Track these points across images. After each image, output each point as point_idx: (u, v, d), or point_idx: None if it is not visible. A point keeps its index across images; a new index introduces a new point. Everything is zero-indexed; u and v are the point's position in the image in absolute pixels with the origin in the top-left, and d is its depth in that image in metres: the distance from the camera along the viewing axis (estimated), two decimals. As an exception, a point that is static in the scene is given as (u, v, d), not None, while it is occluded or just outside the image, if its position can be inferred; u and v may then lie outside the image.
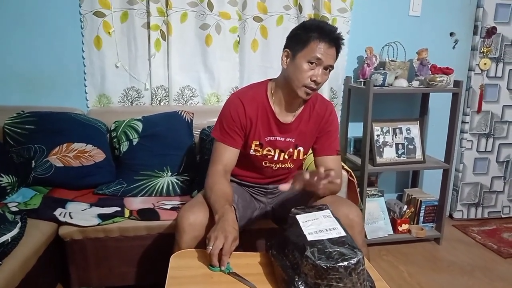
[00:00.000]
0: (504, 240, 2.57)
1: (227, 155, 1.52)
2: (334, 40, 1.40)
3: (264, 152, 1.57)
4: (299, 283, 1.02)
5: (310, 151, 1.66)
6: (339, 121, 1.64)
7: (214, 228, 1.24)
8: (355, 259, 1.00)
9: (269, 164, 1.61)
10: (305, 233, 1.11)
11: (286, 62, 1.47)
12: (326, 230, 1.12)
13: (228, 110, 1.53)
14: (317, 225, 1.14)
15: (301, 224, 1.15)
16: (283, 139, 1.56)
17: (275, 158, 1.59)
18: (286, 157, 1.59)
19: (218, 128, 1.54)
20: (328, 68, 1.43)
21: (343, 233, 1.10)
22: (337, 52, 1.44)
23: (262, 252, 1.35)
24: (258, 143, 1.55)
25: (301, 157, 1.61)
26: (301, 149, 1.59)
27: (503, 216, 2.92)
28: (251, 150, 1.57)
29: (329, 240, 1.07)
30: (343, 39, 1.45)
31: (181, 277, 1.18)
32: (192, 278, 1.17)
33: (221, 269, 1.18)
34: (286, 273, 1.07)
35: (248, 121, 1.52)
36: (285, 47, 1.48)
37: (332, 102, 1.63)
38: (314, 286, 1.00)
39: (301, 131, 1.57)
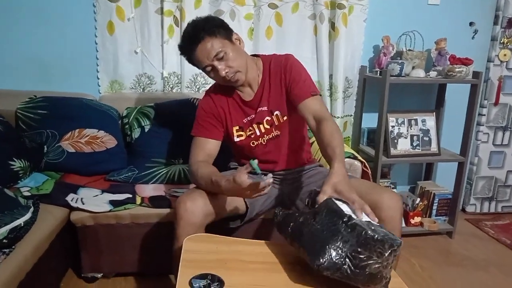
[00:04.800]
0: (519, 235, 2.53)
1: (204, 146, 1.53)
2: (194, 38, 1.42)
3: (248, 133, 1.59)
4: (335, 245, 0.99)
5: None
6: (301, 64, 1.59)
7: (229, 188, 1.29)
8: (399, 241, 0.99)
9: (256, 143, 1.60)
10: (341, 207, 1.07)
11: None
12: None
13: (200, 106, 1.60)
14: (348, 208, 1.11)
15: (335, 201, 1.11)
16: (257, 111, 1.58)
17: (258, 133, 1.59)
18: (268, 126, 1.59)
19: (194, 125, 1.59)
20: (218, 55, 1.42)
21: (376, 221, 1.08)
22: (216, 36, 1.43)
23: (272, 241, 1.34)
24: (238, 127, 1.59)
25: (281, 120, 1.58)
26: (278, 112, 1.57)
27: (517, 211, 2.88)
28: (235, 137, 1.59)
29: (367, 222, 1.05)
30: (202, 30, 1.42)
31: (195, 260, 1.17)
32: (206, 263, 1.16)
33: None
34: (316, 238, 1.03)
35: (221, 110, 1.57)
36: None
37: (291, 54, 1.61)
38: (352, 253, 0.97)
39: (268, 95, 1.57)
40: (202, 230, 1.39)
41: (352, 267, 0.97)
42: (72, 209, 1.71)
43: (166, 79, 2.29)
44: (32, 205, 1.57)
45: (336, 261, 0.97)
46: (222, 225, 1.52)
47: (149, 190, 1.89)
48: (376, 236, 0.97)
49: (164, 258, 1.78)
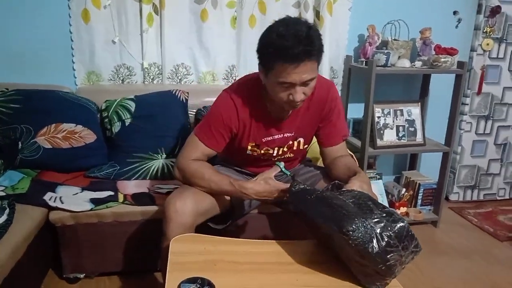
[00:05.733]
0: (500, 223, 2.56)
1: (204, 151, 1.42)
2: (301, 55, 1.15)
3: (262, 151, 1.49)
4: (367, 221, 1.00)
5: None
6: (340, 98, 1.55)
7: (259, 190, 1.34)
8: (421, 247, 1.03)
9: (267, 158, 1.54)
10: None
11: (262, 76, 1.30)
12: None
13: (218, 111, 1.40)
14: None
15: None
16: (281, 135, 1.46)
17: (274, 154, 1.51)
18: (286, 149, 1.51)
19: (203, 126, 1.42)
20: (308, 82, 1.23)
21: None
22: (317, 60, 1.22)
23: (265, 239, 1.32)
24: (254, 144, 1.46)
25: (301, 147, 1.53)
26: (301, 140, 1.51)
27: (498, 198, 2.92)
28: (248, 151, 1.48)
29: None
30: (314, 48, 1.17)
31: (183, 263, 1.14)
32: (195, 265, 1.13)
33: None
34: (348, 210, 1.04)
35: (241, 125, 1.41)
36: (258, 59, 1.28)
37: (332, 81, 1.53)
38: (382, 234, 0.98)
39: (300, 123, 1.46)
40: (192, 231, 1.35)
41: (377, 247, 0.97)
42: (50, 208, 1.63)
43: (146, 70, 2.20)
44: (7, 206, 1.49)
45: (366, 235, 0.98)
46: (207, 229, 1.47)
47: (131, 186, 1.82)
48: (410, 229, 1.01)
49: (149, 256, 1.74)
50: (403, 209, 2.45)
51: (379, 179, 2.50)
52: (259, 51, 1.25)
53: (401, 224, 1.01)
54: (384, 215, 1.03)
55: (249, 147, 1.47)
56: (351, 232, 0.97)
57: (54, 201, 1.62)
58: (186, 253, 1.19)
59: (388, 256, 0.98)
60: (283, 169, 1.33)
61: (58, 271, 1.82)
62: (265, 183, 1.33)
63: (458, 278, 2.02)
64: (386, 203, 2.45)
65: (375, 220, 1.01)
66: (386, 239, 0.98)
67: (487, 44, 2.56)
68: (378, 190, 2.44)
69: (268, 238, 1.69)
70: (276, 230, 1.76)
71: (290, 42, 1.14)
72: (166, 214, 1.32)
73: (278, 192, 1.33)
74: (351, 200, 1.08)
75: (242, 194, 1.36)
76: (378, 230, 0.99)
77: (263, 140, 1.45)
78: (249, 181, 1.38)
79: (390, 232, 0.99)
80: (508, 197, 2.94)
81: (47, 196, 1.64)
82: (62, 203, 1.62)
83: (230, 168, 1.63)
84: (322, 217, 1.07)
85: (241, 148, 1.48)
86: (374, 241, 0.98)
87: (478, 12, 2.55)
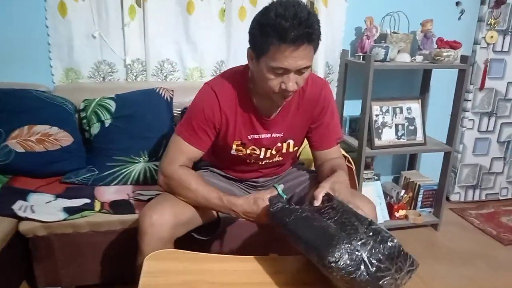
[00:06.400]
0: (503, 225, 2.45)
1: (188, 153, 1.29)
2: (301, 38, 1.06)
3: (248, 152, 1.36)
4: (351, 245, 0.88)
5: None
6: (334, 99, 1.44)
7: (247, 209, 1.22)
8: (418, 263, 0.92)
9: (254, 161, 1.41)
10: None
11: (252, 63, 1.19)
12: None
13: (200, 105, 1.28)
14: None
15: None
16: (269, 135, 1.34)
17: (261, 156, 1.39)
18: (274, 152, 1.39)
19: (185, 123, 1.30)
20: (302, 69, 1.13)
21: None
22: (314, 47, 1.12)
23: (254, 248, 1.22)
24: (239, 142, 1.34)
25: (291, 150, 1.41)
26: (291, 141, 1.39)
27: (500, 198, 2.80)
28: (233, 151, 1.36)
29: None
30: (314, 32, 1.08)
31: (158, 285, 1.03)
32: (171, 287, 1.02)
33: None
34: (329, 233, 0.93)
35: (223, 120, 1.28)
36: (249, 42, 1.17)
37: (326, 80, 1.42)
38: (371, 258, 0.87)
39: (289, 123, 1.34)
40: (170, 245, 1.23)
41: (366, 274, 0.85)
42: (20, 218, 1.50)
43: (129, 66, 2.06)
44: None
45: (351, 262, 0.86)
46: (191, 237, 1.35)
47: (110, 193, 1.70)
48: (402, 247, 0.89)
49: (130, 267, 1.61)
50: (402, 212, 2.33)
51: (377, 180, 2.38)
52: (252, 31, 1.14)
53: (391, 244, 0.89)
54: (371, 234, 0.91)
55: (234, 146, 1.35)
56: (333, 264, 0.85)
57: (24, 211, 1.49)
58: (162, 273, 1.08)
59: (380, 282, 0.87)
60: (280, 192, 1.23)
61: (33, 284, 1.69)
62: (254, 203, 1.21)
63: (460, 285, 1.91)
64: (384, 206, 2.34)
65: (361, 241, 0.89)
66: (376, 264, 0.86)
67: (491, 37, 2.43)
68: (376, 192, 2.33)
69: (257, 247, 1.58)
70: (266, 239, 1.64)
71: (290, 23, 1.04)
72: (141, 227, 1.20)
73: (264, 216, 1.19)
74: (333, 220, 0.96)
75: (231, 211, 1.25)
76: (365, 254, 0.87)
77: (249, 138, 1.33)
78: (240, 197, 1.26)
79: (379, 255, 0.87)
80: (511, 197, 2.82)
81: (17, 205, 1.51)
82: (33, 212, 1.50)
83: (216, 174, 1.51)
84: (302, 244, 0.95)
85: (226, 147, 1.36)
86: (362, 267, 0.85)
87: (482, 2, 2.41)
